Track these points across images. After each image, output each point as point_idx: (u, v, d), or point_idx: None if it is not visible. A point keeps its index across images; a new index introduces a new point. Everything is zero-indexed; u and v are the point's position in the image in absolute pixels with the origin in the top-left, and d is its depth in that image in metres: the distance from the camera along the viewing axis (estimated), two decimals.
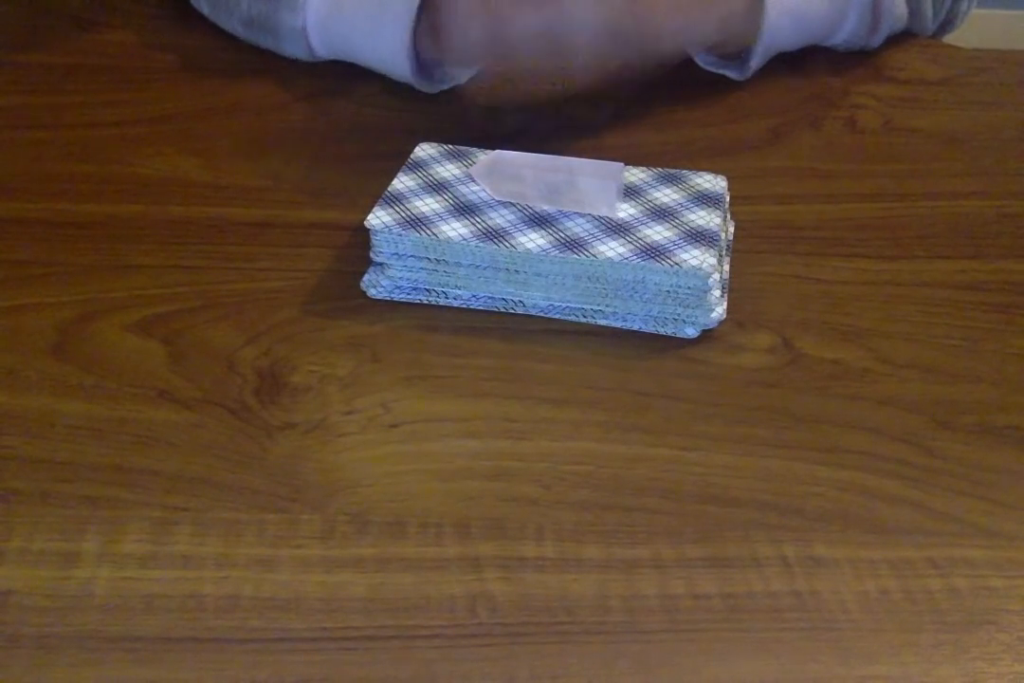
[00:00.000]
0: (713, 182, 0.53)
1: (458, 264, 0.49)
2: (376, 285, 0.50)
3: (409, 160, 0.54)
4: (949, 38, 0.83)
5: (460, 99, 0.65)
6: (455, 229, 0.49)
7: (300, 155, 0.61)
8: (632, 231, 0.49)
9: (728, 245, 0.53)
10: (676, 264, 0.47)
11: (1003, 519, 0.41)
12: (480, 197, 0.51)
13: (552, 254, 0.48)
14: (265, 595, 0.37)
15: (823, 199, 0.58)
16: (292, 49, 0.67)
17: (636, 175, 0.53)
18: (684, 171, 0.53)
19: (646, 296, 0.48)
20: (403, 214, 0.49)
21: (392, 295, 0.50)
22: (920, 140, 0.64)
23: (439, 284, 0.50)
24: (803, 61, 0.71)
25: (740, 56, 0.65)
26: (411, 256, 0.49)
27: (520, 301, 0.49)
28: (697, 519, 0.41)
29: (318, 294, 0.50)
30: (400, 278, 0.50)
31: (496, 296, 0.49)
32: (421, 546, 0.39)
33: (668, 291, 0.48)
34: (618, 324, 0.49)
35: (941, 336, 0.49)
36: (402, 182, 0.52)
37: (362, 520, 0.40)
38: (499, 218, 0.50)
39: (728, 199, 0.53)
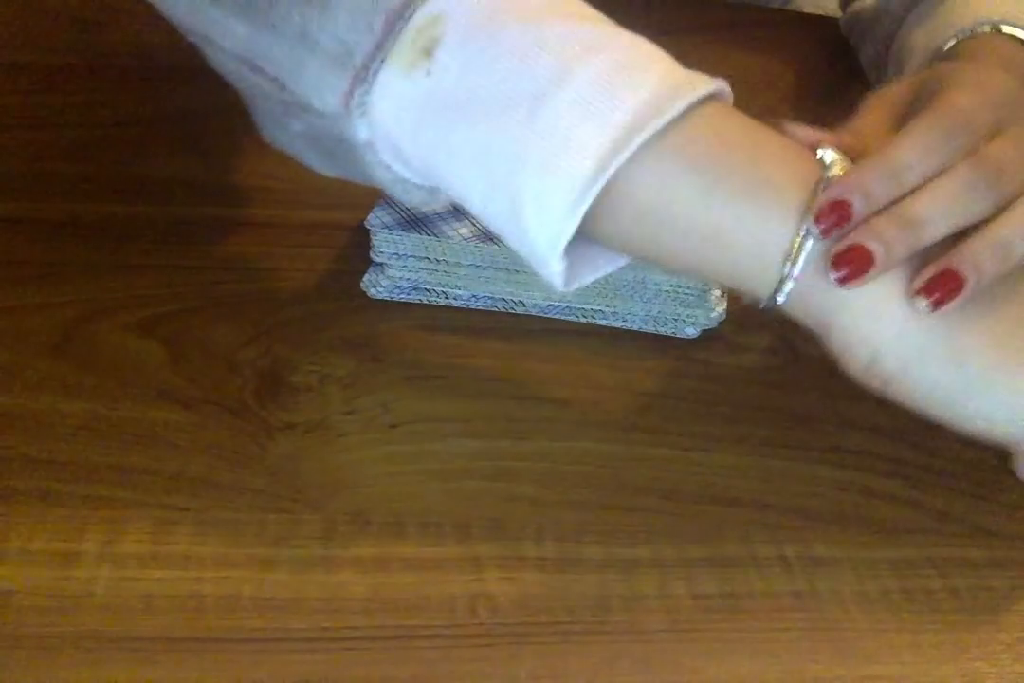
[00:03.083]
0: None
1: (458, 264, 0.49)
2: (376, 285, 0.50)
3: None
4: None
5: None
6: (455, 229, 0.49)
7: None
8: None
9: None
10: None
11: (1003, 519, 0.41)
12: None
13: None
14: (265, 595, 0.37)
15: None
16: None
17: None
18: None
19: (646, 296, 0.48)
20: (403, 214, 0.49)
21: (392, 295, 0.50)
22: None
23: (439, 284, 0.50)
24: (803, 61, 0.71)
25: None
26: (411, 256, 0.49)
27: (520, 301, 0.49)
28: (697, 519, 0.41)
29: (318, 294, 0.50)
30: (400, 278, 0.50)
31: (496, 296, 0.49)
32: (421, 546, 0.39)
33: (668, 291, 0.48)
34: (618, 324, 0.49)
35: None
36: None
37: (362, 520, 0.40)
38: None
39: None
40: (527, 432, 0.44)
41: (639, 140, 0.34)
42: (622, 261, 0.40)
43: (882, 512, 0.41)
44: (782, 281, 0.36)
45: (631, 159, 0.35)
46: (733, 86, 0.37)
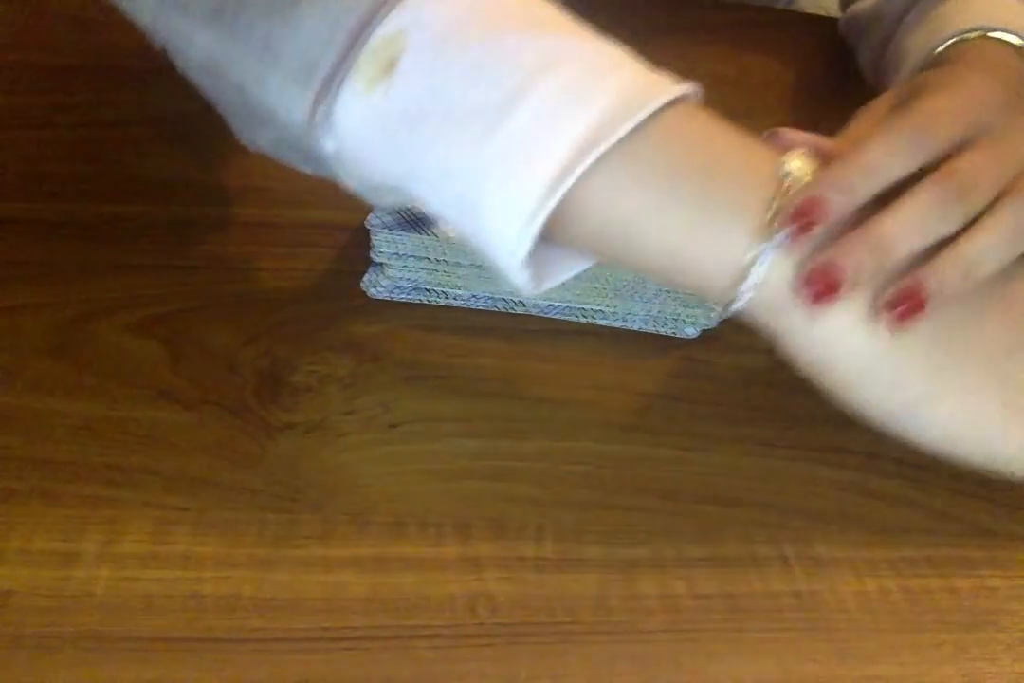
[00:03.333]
0: None
1: (458, 264, 0.49)
2: (376, 285, 0.50)
3: None
4: None
5: None
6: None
7: None
8: None
9: None
10: None
11: (1003, 519, 0.41)
12: None
13: None
14: (265, 595, 0.37)
15: None
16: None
17: None
18: None
19: (646, 296, 0.48)
20: (403, 214, 0.49)
21: (392, 295, 0.50)
22: None
23: (439, 284, 0.50)
24: (803, 60, 0.70)
25: None
26: (411, 256, 0.49)
27: (520, 301, 0.49)
28: (697, 519, 0.41)
29: (318, 294, 0.50)
30: (400, 278, 0.50)
31: (496, 296, 0.49)
32: (421, 546, 0.39)
33: (668, 291, 0.48)
34: (618, 324, 0.49)
35: None
36: None
37: (362, 520, 0.40)
38: None
39: None
40: (527, 432, 0.44)
41: (592, 157, 0.34)
42: (591, 261, 0.40)
43: (882, 512, 0.41)
44: (735, 298, 0.36)
45: (586, 175, 0.35)
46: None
